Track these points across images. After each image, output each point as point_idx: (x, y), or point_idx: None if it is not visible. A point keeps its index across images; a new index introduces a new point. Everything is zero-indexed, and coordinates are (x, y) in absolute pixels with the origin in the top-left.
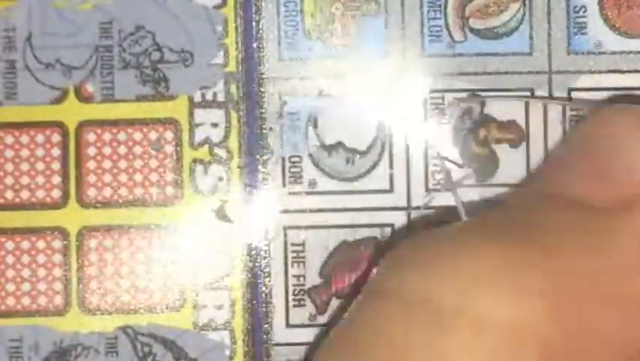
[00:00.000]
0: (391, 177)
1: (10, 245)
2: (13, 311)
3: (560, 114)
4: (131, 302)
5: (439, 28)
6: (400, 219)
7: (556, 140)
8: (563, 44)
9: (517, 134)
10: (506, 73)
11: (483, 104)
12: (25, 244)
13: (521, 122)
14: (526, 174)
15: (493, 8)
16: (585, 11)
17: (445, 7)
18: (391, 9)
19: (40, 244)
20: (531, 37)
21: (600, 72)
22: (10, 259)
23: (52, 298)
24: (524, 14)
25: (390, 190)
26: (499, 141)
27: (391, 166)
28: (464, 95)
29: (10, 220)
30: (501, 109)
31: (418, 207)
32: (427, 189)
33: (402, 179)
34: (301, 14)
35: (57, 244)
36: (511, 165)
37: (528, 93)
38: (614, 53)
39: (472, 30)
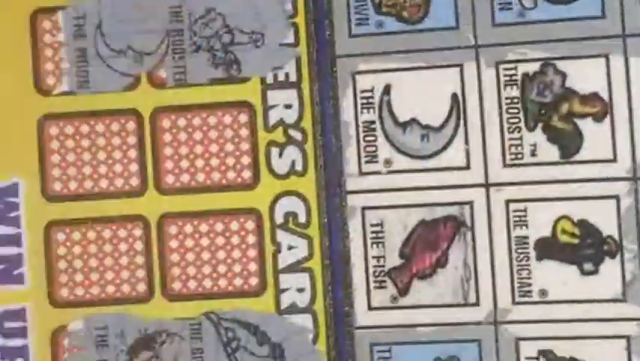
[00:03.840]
0: (467, 153)
1: (91, 235)
2: (98, 300)
3: None
4: (213, 288)
5: None
6: (478, 196)
7: None
8: (635, 5)
9: (600, 107)
10: (580, 39)
11: (564, 76)
12: (107, 233)
13: (604, 94)
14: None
15: None
16: None
17: None
18: None
19: (122, 233)
20: (603, 0)
21: None
22: (92, 249)
23: (135, 286)
24: None
25: (467, 167)
26: (582, 115)
27: (467, 142)
28: (537, 65)
29: (90, 210)
30: (582, 81)
31: (497, 184)
32: (505, 164)
33: (478, 155)
34: None
35: (138, 231)
36: (596, 140)
37: (604, 60)
38: None
39: None
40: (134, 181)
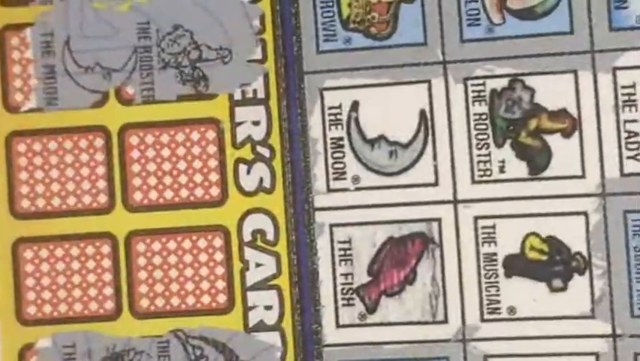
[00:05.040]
0: (436, 169)
1: (59, 252)
2: (65, 318)
3: (611, 98)
4: (180, 305)
5: (476, 12)
6: (447, 213)
7: (610, 126)
8: (604, 21)
9: (569, 124)
10: (548, 55)
11: (533, 92)
12: (75, 251)
13: (572, 110)
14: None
15: None
16: None
17: None
18: None
19: (89, 250)
20: (571, 15)
21: None
22: (60, 266)
23: (103, 303)
24: None
25: (436, 184)
26: (550, 131)
27: (435, 158)
28: (505, 81)
29: (58, 227)
30: (551, 97)
31: (465, 201)
32: (473, 181)
33: (447, 171)
34: (338, 5)
35: (105, 249)
36: (565, 157)
37: (572, 75)
38: None
39: (510, 11)
40: (102, 198)
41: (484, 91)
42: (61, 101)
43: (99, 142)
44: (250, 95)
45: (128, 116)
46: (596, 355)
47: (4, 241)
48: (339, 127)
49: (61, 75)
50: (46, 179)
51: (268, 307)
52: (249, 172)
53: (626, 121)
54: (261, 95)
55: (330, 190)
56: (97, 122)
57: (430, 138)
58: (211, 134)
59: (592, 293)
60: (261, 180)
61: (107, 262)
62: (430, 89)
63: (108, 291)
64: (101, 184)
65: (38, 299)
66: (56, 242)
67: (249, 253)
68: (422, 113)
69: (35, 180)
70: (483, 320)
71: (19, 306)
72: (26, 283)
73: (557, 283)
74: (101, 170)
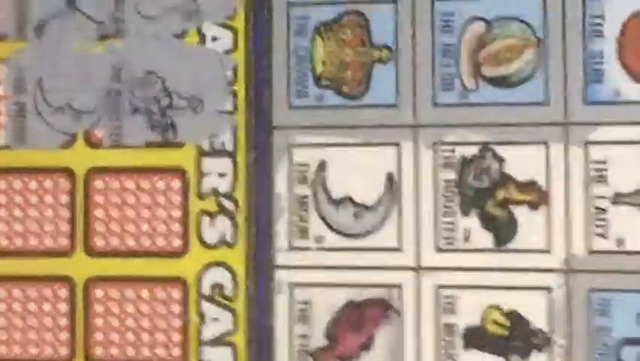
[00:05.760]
0: (400, 234)
1: (17, 293)
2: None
3: (581, 172)
4: (136, 356)
5: (450, 76)
6: (408, 279)
7: (579, 201)
8: (579, 94)
9: (537, 196)
10: (520, 124)
11: (502, 162)
12: (32, 292)
13: (541, 182)
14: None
15: (507, 55)
16: (602, 57)
17: (458, 54)
18: (403, 55)
19: (47, 293)
20: (546, 86)
21: (620, 124)
22: (17, 307)
23: (57, 348)
24: (539, 61)
25: (399, 249)
26: (518, 203)
27: (400, 222)
28: (476, 148)
29: (17, 268)
30: (521, 167)
31: (428, 268)
32: (437, 249)
33: (411, 237)
34: (311, 61)
35: (63, 293)
36: (531, 229)
37: (543, 146)
38: (634, 102)
39: (484, 78)
40: (63, 241)
41: (453, 157)
42: (30, 139)
43: (64, 184)
44: (218, 146)
45: (95, 159)
46: None
47: None
48: (305, 185)
49: (31, 114)
50: (8, 218)
51: None
52: (211, 225)
53: (595, 197)
54: (229, 146)
55: (292, 248)
56: (63, 163)
57: (396, 202)
58: (176, 184)
59: None
60: (224, 233)
61: (63, 306)
62: (399, 151)
63: (64, 336)
64: (64, 227)
65: None
66: (13, 282)
67: (207, 307)
68: (389, 175)
69: None
70: None
71: None
72: None
73: (516, 359)
74: (64, 212)
